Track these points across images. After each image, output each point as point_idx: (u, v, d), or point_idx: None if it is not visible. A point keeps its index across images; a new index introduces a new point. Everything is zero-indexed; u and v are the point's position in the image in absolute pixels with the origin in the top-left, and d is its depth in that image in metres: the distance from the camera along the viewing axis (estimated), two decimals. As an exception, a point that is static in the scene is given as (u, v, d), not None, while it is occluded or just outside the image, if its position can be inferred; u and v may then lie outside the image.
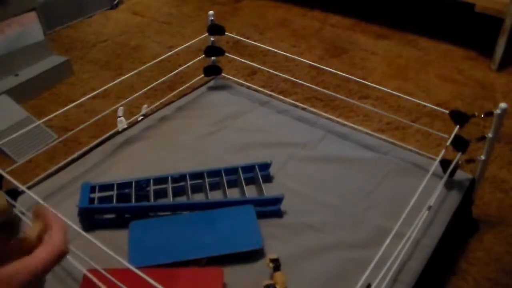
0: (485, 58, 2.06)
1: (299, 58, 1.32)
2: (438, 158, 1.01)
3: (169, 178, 1.04)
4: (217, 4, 2.64)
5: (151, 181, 1.04)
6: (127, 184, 1.03)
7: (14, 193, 0.94)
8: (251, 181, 1.07)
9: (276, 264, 0.83)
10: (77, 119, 1.67)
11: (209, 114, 1.12)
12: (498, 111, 0.96)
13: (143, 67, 1.24)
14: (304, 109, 1.27)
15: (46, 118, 1.05)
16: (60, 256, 0.56)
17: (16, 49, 1.88)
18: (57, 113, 1.06)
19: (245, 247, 0.89)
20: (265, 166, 1.09)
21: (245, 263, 0.88)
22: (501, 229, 1.29)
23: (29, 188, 1.04)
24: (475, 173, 1.08)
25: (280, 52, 1.33)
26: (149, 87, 1.28)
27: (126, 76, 1.22)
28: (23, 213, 0.92)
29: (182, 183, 1.06)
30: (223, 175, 1.05)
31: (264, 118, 1.28)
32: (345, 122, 1.25)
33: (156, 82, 1.30)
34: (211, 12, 1.30)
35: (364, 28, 2.35)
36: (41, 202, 0.95)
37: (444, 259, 1.04)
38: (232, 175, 1.07)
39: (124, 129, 1.27)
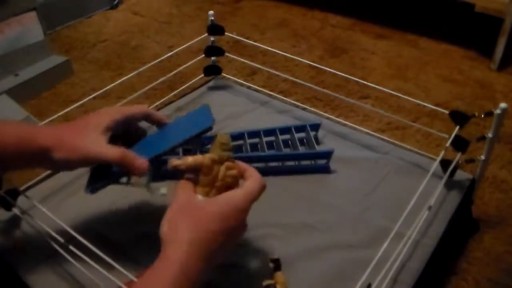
0: (485, 58, 2.06)
1: (299, 58, 1.31)
2: (438, 158, 1.01)
3: (245, 134, 1.14)
4: (217, 4, 2.64)
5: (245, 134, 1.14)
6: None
7: (14, 193, 0.94)
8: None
9: (277, 264, 0.83)
10: (77, 119, 1.67)
11: (209, 114, 1.12)
12: (498, 111, 0.96)
13: (144, 67, 1.24)
14: (304, 109, 1.27)
15: (48, 120, 1.05)
16: (263, 187, 0.71)
17: (16, 49, 1.88)
18: (59, 113, 1.06)
19: (197, 129, 0.87)
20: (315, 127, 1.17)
21: (245, 263, 0.88)
22: (501, 229, 1.29)
23: (29, 187, 1.04)
24: (475, 173, 1.08)
25: (280, 52, 1.33)
26: (149, 87, 1.28)
27: (127, 77, 1.22)
28: (23, 213, 0.93)
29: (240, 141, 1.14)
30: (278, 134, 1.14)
31: (264, 118, 1.28)
32: (345, 122, 1.25)
33: (156, 82, 1.30)
34: (211, 12, 1.30)
35: (364, 28, 2.35)
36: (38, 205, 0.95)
37: (444, 259, 1.04)
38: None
39: (124, 129, 1.27)
